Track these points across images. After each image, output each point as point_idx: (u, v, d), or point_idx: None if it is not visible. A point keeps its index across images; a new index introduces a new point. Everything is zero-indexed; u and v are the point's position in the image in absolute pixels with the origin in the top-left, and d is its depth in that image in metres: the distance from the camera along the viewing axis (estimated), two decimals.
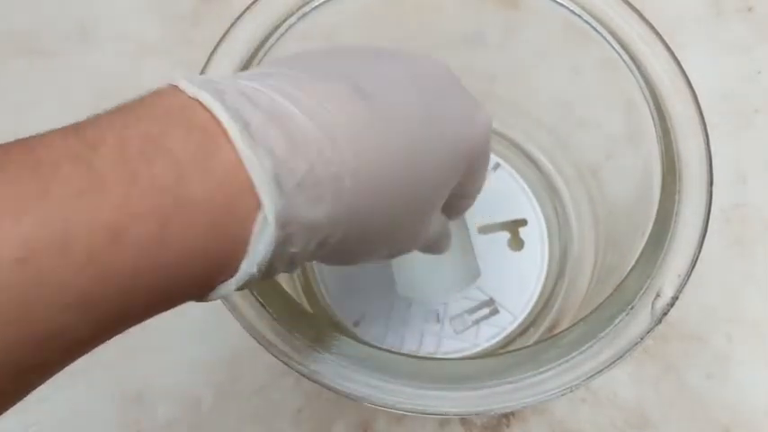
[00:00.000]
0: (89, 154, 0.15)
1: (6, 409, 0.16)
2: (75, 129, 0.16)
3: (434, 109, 0.22)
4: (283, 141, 0.17)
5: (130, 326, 0.17)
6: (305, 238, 0.19)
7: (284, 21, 0.30)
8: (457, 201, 0.27)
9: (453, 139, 0.23)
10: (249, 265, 0.17)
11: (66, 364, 0.17)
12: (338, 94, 0.19)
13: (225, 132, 0.17)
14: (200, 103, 0.17)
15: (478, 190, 0.28)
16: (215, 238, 0.17)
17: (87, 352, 0.17)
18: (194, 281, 0.17)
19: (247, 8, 0.30)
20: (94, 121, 0.17)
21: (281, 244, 0.18)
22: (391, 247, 0.24)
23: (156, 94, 0.18)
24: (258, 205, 0.17)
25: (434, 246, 0.28)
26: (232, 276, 0.18)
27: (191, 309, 0.38)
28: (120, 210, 0.15)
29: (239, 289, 0.18)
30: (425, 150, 0.21)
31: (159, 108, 0.17)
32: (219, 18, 0.45)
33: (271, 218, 0.17)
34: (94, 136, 0.16)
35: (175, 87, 0.18)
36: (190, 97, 0.17)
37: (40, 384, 0.16)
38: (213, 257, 0.17)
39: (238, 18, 0.30)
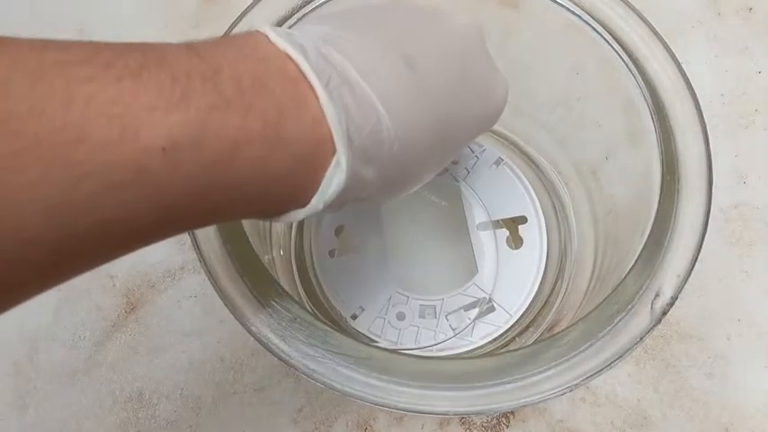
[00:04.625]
0: (213, 76, 0.18)
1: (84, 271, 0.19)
2: (194, 49, 0.18)
3: (467, 79, 0.25)
4: (353, 103, 0.20)
5: (221, 221, 0.20)
6: (359, 188, 0.21)
7: (284, 21, 0.30)
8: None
9: (478, 108, 0.26)
10: (318, 201, 0.20)
11: (166, 238, 0.19)
12: (390, 65, 0.22)
13: (311, 87, 0.19)
14: (289, 57, 0.20)
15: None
16: (300, 171, 0.20)
17: (183, 231, 0.19)
18: (276, 201, 0.20)
19: (248, 9, 0.30)
20: (206, 47, 0.19)
21: (345, 188, 0.20)
22: (420, 183, 0.26)
23: (252, 40, 0.20)
24: (334, 152, 0.20)
25: None
26: (302, 207, 0.21)
27: (191, 309, 0.38)
28: (240, 130, 0.18)
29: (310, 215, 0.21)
30: (457, 119, 0.24)
31: (259, 53, 0.19)
32: (220, 19, 0.45)
33: (343, 165, 0.20)
34: (213, 62, 0.18)
35: (266, 37, 0.20)
36: (279, 49, 0.20)
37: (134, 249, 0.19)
38: (295, 186, 0.20)
39: (239, 18, 0.30)
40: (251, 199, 0.19)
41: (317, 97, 0.19)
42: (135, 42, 0.18)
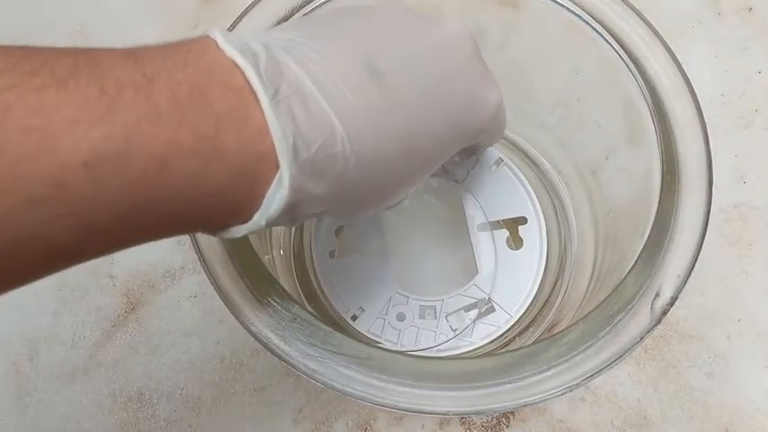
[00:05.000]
0: (147, 86, 0.17)
1: (21, 285, 0.18)
2: (134, 56, 0.18)
3: (443, 91, 0.24)
4: (304, 115, 0.19)
5: (152, 240, 0.19)
6: (307, 203, 0.21)
7: (284, 21, 0.30)
8: (474, 149, 0.30)
9: (458, 120, 0.24)
10: (260, 217, 0.20)
11: (91, 258, 0.19)
12: (354, 75, 0.21)
13: (256, 98, 0.19)
14: (237, 65, 0.19)
15: (494, 142, 0.30)
16: (240, 186, 0.19)
17: (108, 254, 0.19)
18: (214, 217, 0.20)
19: (248, 9, 0.30)
20: (147, 53, 0.18)
21: (289, 204, 0.20)
22: (388, 202, 0.25)
23: (198, 46, 0.19)
24: (277, 167, 0.19)
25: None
26: (244, 223, 0.20)
27: (191, 309, 0.38)
28: (170, 144, 0.17)
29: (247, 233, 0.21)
30: (428, 133, 0.23)
31: (203, 61, 0.19)
32: (220, 19, 0.45)
33: (286, 181, 0.19)
34: (151, 70, 0.17)
35: (214, 43, 0.19)
36: (227, 56, 0.19)
37: (58, 270, 0.18)
38: (234, 203, 0.19)
39: (239, 18, 0.30)
40: (185, 215, 0.19)
41: (261, 109, 0.19)
42: (74, 48, 0.17)
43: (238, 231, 0.20)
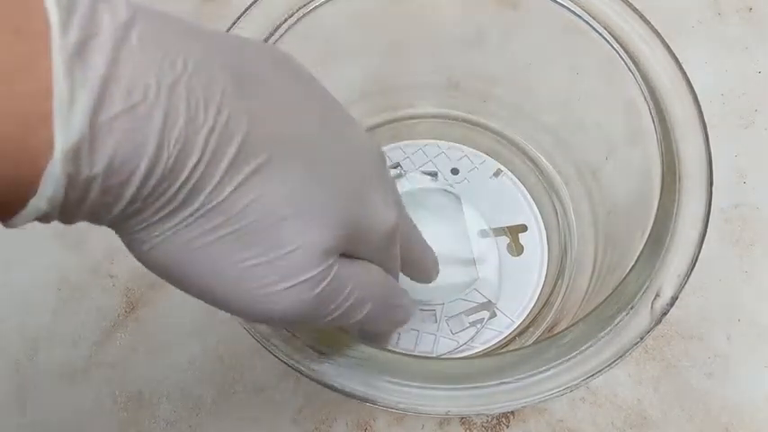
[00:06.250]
0: None
1: None
2: None
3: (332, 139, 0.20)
4: (105, 70, 0.15)
5: None
6: (107, 189, 0.16)
7: (284, 21, 0.30)
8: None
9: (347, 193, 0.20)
10: (38, 201, 0.15)
11: None
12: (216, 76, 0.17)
13: (49, 43, 0.14)
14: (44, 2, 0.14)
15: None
16: (5, 163, 0.14)
17: None
18: None
19: (247, 8, 0.30)
20: None
21: (77, 189, 0.15)
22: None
23: None
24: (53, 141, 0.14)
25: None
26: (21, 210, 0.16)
27: (191, 309, 0.38)
28: None
29: (43, 221, 0.16)
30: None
31: None
32: (220, 18, 0.45)
33: (58, 158, 0.15)
34: None
35: None
36: None
37: None
38: (2, 185, 0.15)
39: (238, 18, 0.30)
40: None
41: (50, 58, 0.14)
42: None
43: (18, 221, 0.16)
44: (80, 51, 0.14)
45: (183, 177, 0.16)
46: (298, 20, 0.31)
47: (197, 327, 0.37)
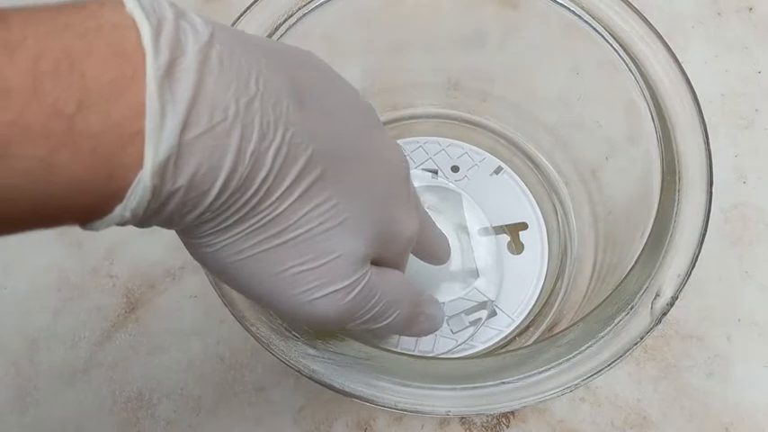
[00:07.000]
0: (3, 56, 0.14)
1: None
2: (6, 19, 0.15)
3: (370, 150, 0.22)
4: (194, 93, 0.16)
5: (4, 234, 0.17)
6: (192, 202, 0.17)
7: (284, 21, 0.30)
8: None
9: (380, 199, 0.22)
10: (123, 210, 0.17)
11: None
12: (279, 92, 0.18)
13: (143, 66, 0.15)
14: (135, 25, 0.16)
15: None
16: (99, 175, 0.16)
17: None
18: (73, 210, 0.17)
19: (248, 8, 0.30)
20: (27, 13, 0.15)
21: (159, 200, 0.17)
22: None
23: (96, 4, 0.16)
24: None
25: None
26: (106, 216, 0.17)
27: (191, 309, 0.38)
28: (13, 126, 0.14)
29: (119, 225, 0.18)
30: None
31: (93, 20, 0.15)
32: (220, 18, 0.45)
33: (148, 173, 0.16)
34: (18, 35, 0.15)
35: (121, 1, 0.16)
36: (126, 14, 0.16)
37: None
38: (94, 193, 0.16)
39: (239, 18, 0.30)
40: (37, 207, 0.16)
41: (143, 80, 0.15)
42: None
43: (101, 225, 0.17)
44: (169, 73, 0.16)
45: (251, 191, 0.18)
46: (298, 20, 0.31)
47: (197, 327, 0.37)
